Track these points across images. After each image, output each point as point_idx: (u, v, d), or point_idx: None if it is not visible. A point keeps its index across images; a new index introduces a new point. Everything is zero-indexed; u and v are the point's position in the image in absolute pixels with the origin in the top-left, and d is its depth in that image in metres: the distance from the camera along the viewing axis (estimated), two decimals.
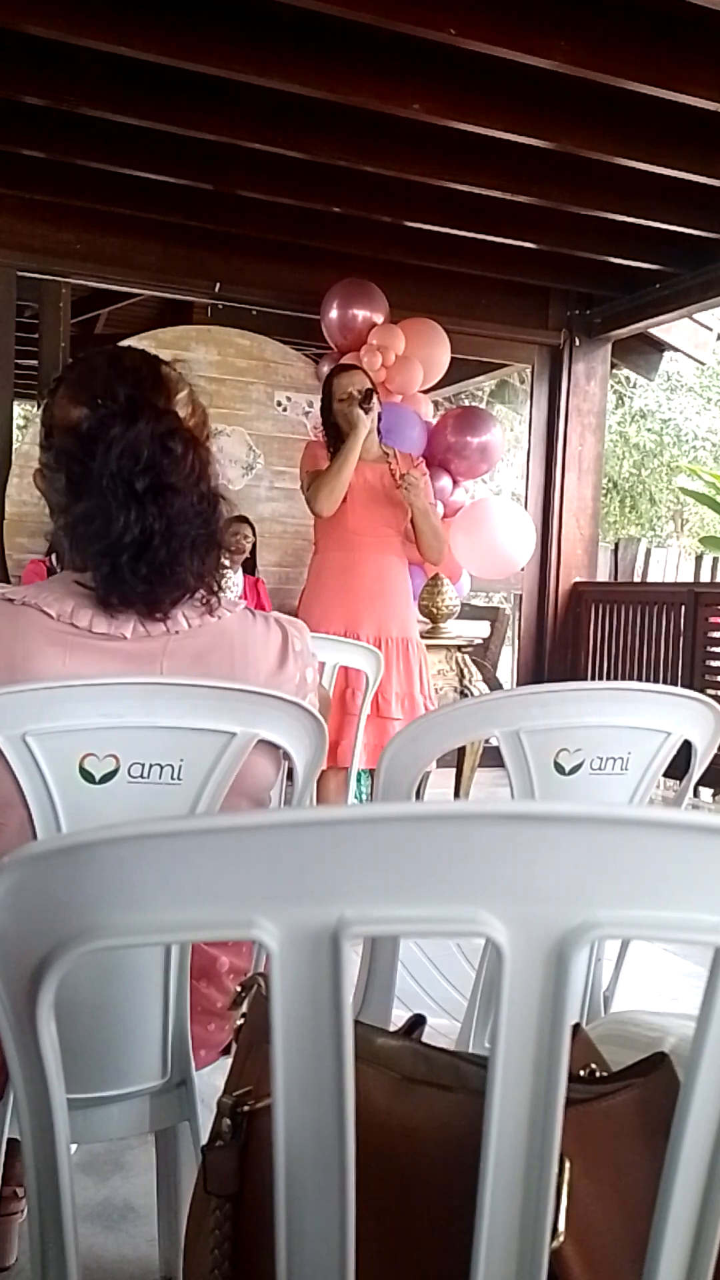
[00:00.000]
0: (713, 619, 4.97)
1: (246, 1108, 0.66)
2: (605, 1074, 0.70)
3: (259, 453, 5.32)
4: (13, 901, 0.50)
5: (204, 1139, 0.69)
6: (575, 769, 1.21)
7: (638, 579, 10.11)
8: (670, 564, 11.17)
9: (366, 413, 3.29)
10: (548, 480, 5.83)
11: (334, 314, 4.84)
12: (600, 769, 1.23)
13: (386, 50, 3.34)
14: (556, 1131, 0.51)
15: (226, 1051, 1.23)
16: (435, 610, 4.10)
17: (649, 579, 10.14)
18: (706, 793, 5.30)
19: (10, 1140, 1.13)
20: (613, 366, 6.13)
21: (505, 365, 6.34)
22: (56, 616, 1.10)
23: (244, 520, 4.93)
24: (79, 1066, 1.11)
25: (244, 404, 5.28)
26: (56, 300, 5.07)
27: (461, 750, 3.97)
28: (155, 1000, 1.11)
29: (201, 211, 4.65)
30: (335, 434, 3.36)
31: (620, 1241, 0.61)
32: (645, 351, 6.40)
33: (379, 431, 3.45)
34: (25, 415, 8.14)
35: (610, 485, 13.86)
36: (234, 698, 1.05)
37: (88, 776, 1.03)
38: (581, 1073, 0.69)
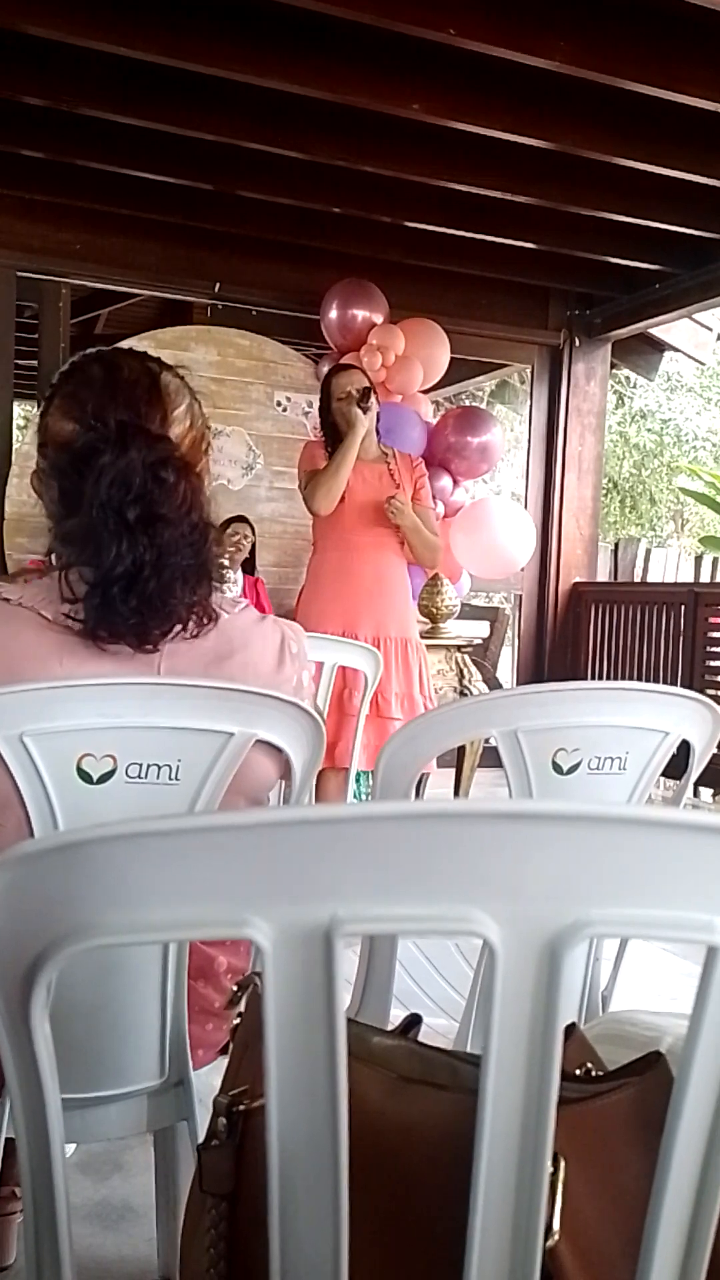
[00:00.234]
0: (713, 619, 4.97)
1: (242, 1107, 0.66)
2: (601, 1073, 0.70)
3: (259, 453, 5.32)
4: (6, 900, 0.50)
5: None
6: (573, 769, 1.21)
7: (638, 579, 10.11)
8: (670, 564, 11.17)
9: (365, 412, 3.29)
10: (548, 480, 5.83)
11: (334, 314, 4.84)
12: (598, 769, 1.23)
13: (386, 50, 3.33)
14: (549, 1130, 0.51)
15: (224, 1051, 1.23)
16: (435, 610, 4.10)
17: (649, 579, 10.14)
18: (706, 793, 5.30)
19: (9, 1140, 1.14)
20: (613, 366, 6.13)
21: (505, 365, 6.34)
22: (52, 618, 1.10)
23: (244, 520, 4.93)
24: (77, 1066, 1.11)
25: (244, 404, 5.28)
26: (56, 300, 5.07)
27: (461, 750, 3.97)
28: (153, 1000, 1.12)
29: (201, 211, 4.65)
30: (334, 434, 3.36)
31: (615, 1240, 0.61)
32: (645, 351, 6.40)
33: (378, 432, 3.45)
34: (25, 416, 8.15)
35: (610, 485, 13.86)
36: (232, 698, 1.05)
37: (85, 777, 1.03)
38: (577, 1072, 0.70)
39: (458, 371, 5.58)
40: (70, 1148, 1.75)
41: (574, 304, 5.74)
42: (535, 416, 5.88)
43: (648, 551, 10.98)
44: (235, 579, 4.58)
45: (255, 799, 1.16)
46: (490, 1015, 0.50)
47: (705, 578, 9.89)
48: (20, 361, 5.22)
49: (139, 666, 1.12)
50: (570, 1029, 0.74)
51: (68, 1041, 1.09)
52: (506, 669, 6.68)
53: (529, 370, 5.93)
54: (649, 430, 14.58)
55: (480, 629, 4.58)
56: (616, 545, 11.08)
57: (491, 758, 2.28)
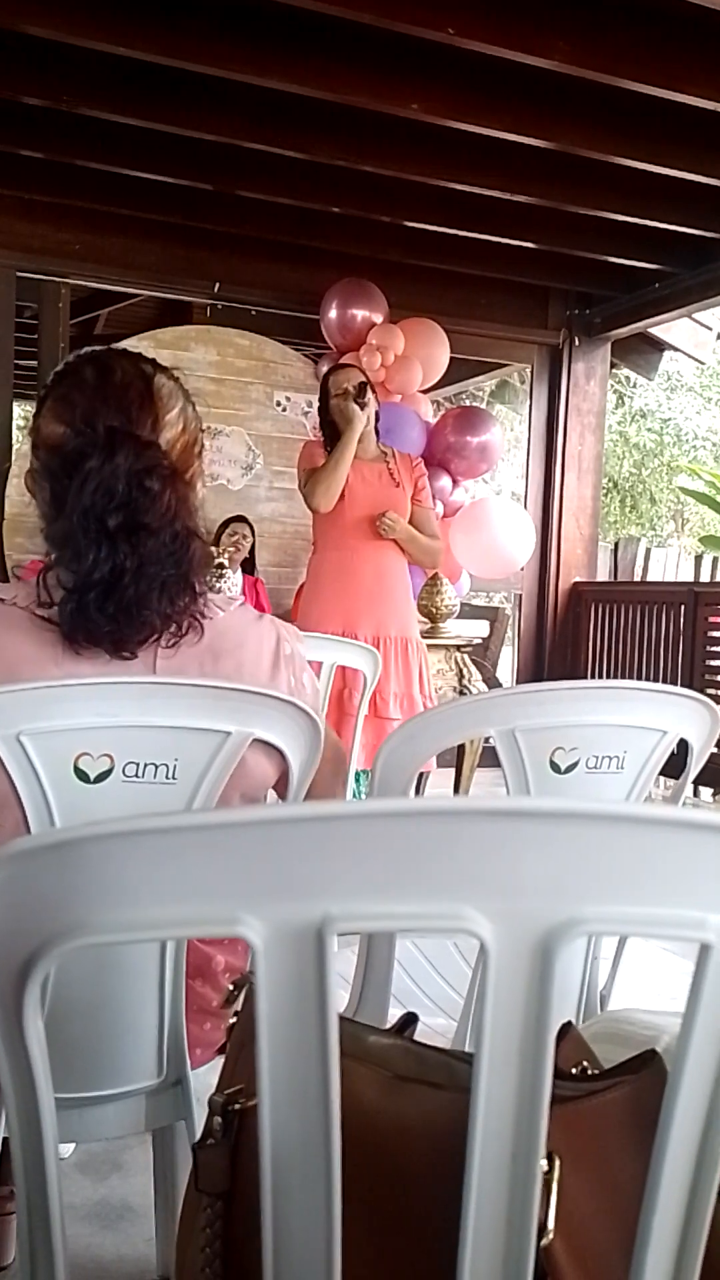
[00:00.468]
0: (712, 619, 4.97)
1: (237, 1106, 0.66)
2: (596, 1071, 0.70)
3: (258, 453, 5.32)
4: (0, 897, 0.50)
5: None
6: (571, 768, 1.21)
7: (638, 579, 10.10)
8: (670, 564, 11.17)
9: (362, 408, 3.28)
10: (548, 480, 5.83)
11: (333, 314, 4.85)
12: (596, 768, 1.23)
13: (386, 50, 3.34)
14: (542, 1128, 0.51)
15: (222, 1050, 1.23)
16: (435, 610, 4.10)
17: (649, 579, 10.13)
18: (706, 791, 5.30)
19: (7, 1139, 1.14)
20: (613, 366, 6.13)
21: (505, 365, 6.34)
22: (46, 619, 1.10)
23: (243, 520, 4.93)
24: (75, 1065, 1.11)
25: (243, 404, 5.29)
26: (56, 300, 5.07)
27: (461, 750, 3.97)
28: (151, 999, 1.12)
29: (201, 211, 4.66)
30: (332, 432, 3.36)
31: (610, 1238, 0.61)
32: (645, 351, 6.40)
33: (377, 432, 3.45)
34: (25, 416, 8.14)
35: (610, 485, 13.86)
36: (229, 697, 1.05)
37: (82, 776, 1.03)
38: (572, 1070, 0.69)
39: (457, 371, 5.58)
40: (69, 1147, 1.75)
41: (574, 304, 5.74)
42: (535, 416, 5.88)
43: (648, 551, 10.98)
44: (235, 579, 4.57)
45: (253, 798, 1.16)
46: (483, 1012, 0.50)
47: (705, 577, 9.88)
48: (20, 362, 5.22)
49: (136, 666, 1.12)
50: (566, 1028, 0.74)
51: (66, 1040, 1.09)
52: (506, 669, 6.68)
53: (529, 370, 5.94)
54: (649, 430, 14.58)
55: (480, 629, 4.57)
56: (616, 545, 11.08)
57: (492, 757, 2.28)
